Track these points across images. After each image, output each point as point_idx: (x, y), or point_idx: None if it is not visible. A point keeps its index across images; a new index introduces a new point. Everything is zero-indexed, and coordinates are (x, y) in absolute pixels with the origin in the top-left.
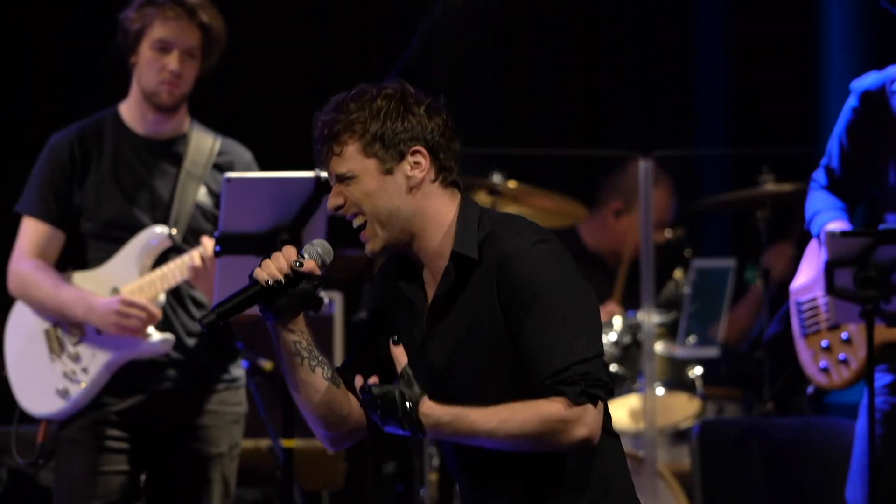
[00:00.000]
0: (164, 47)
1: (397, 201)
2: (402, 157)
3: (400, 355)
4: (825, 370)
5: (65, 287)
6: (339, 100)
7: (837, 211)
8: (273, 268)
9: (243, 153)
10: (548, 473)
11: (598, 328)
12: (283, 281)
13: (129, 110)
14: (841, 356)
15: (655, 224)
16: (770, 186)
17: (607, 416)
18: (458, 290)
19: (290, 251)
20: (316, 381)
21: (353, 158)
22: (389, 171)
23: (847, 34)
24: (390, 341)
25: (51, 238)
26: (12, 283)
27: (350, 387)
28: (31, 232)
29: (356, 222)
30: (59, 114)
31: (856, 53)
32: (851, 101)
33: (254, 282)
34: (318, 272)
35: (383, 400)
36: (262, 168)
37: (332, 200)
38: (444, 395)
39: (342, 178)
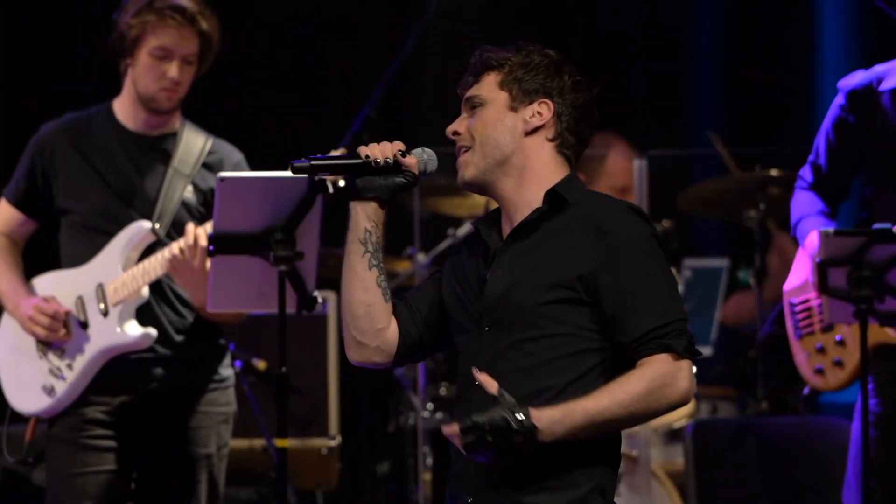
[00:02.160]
0: (164, 55)
1: (507, 137)
2: (529, 102)
3: (487, 381)
4: (820, 372)
5: (5, 278)
6: (509, 44)
7: (819, 216)
8: (378, 149)
9: (233, 153)
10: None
11: (682, 299)
12: (382, 164)
13: (122, 107)
14: (835, 358)
15: (619, 190)
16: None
17: None
18: (540, 227)
19: (398, 143)
20: (368, 278)
21: (488, 86)
22: (514, 109)
23: (841, 33)
24: (472, 370)
25: (20, 224)
26: None
27: (399, 314)
28: (2, 212)
29: (462, 150)
30: (59, 101)
31: (850, 53)
32: (838, 100)
33: (358, 155)
34: (416, 171)
35: (493, 427)
36: (254, 169)
37: (454, 125)
38: (488, 324)
39: (471, 103)
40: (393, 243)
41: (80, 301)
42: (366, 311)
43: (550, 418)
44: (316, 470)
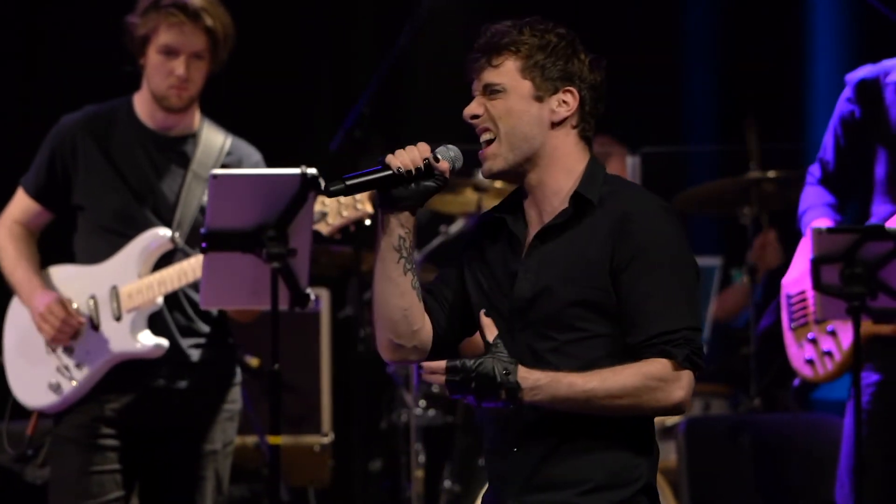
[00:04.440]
0: (170, 52)
1: (535, 129)
2: (554, 91)
3: (489, 326)
4: (810, 362)
5: (21, 267)
6: (516, 21)
7: (825, 207)
8: (407, 157)
9: (252, 153)
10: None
11: (700, 306)
12: (413, 171)
13: (142, 105)
14: (825, 348)
15: None
16: (755, 174)
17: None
18: (566, 230)
19: (424, 146)
20: (404, 283)
21: (509, 74)
22: (539, 99)
23: (834, 31)
24: (480, 313)
25: (36, 214)
26: None
27: (431, 309)
28: (19, 202)
29: (485, 136)
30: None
31: (843, 50)
32: (846, 93)
33: (384, 166)
34: (447, 174)
35: (479, 373)
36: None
37: (472, 108)
38: (520, 325)
39: (490, 89)
40: None
41: (94, 301)
42: (403, 314)
43: (536, 381)
44: (308, 467)
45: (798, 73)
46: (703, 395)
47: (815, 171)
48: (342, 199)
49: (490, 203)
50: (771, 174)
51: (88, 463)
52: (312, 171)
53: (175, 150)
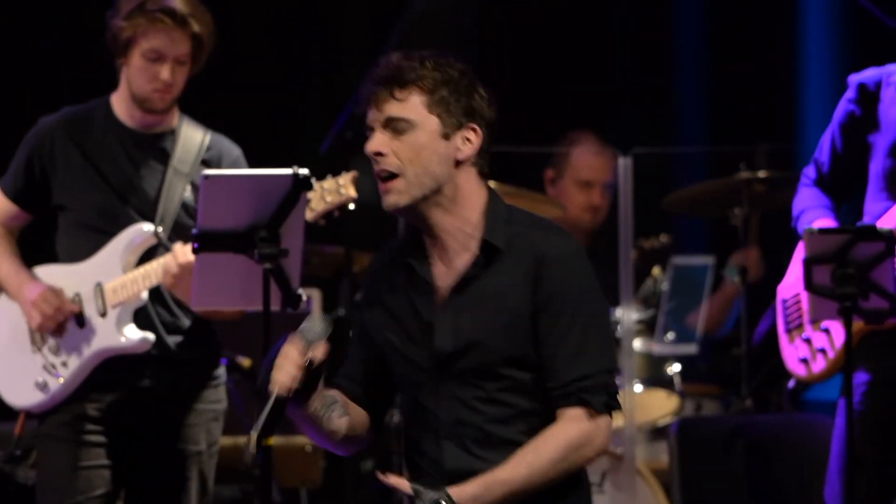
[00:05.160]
0: (156, 57)
1: (442, 167)
2: (459, 127)
3: (398, 483)
4: (804, 361)
5: (6, 262)
6: (414, 54)
7: (822, 209)
8: (289, 375)
9: (232, 149)
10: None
11: (614, 346)
12: (302, 380)
13: (120, 104)
14: (818, 345)
15: (583, 184)
16: (745, 174)
17: None
18: (481, 278)
19: (291, 351)
20: (339, 424)
21: (416, 108)
22: (446, 136)
23: (825, 32)
24: (376, 474)
25: (14, 216)
26: None
27: (352, 396)
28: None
29: (387, 172)
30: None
31: (834, 51)
32: (847, 94)
33: (278, 397)
34: (328, 352)
35: None
36: (249, 165)
37: (376, 144)
38: (444, 378)
39: (395, 124)
40: (377, 241)
41: (78, 298)
42: (351, 437)
43: (472, 496)
44: (300, 467)
45: (789, 73)
46: (695, 396)
47: (810, 172)
48: (325, 184)
49: None
50: (761, 174)
51: (75, 459)
52: (304, 171)
53: (154, 147)
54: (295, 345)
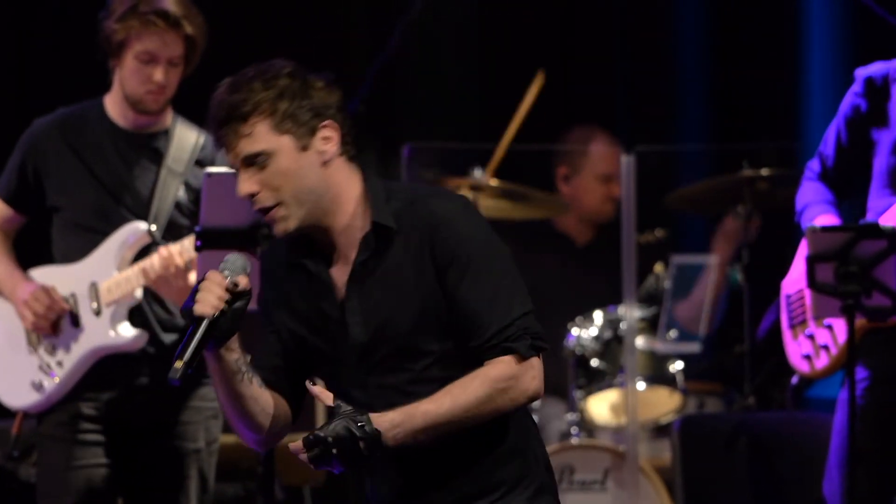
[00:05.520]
0: (149, 59)
1: (314, 177)
2: (313, 132)
3: (320, 393)
4: (807, 357)
5: (1, 263)
6: (238, 80)
7: (826, 205)
8: (212, 298)
9: None
10: (475, 451)
11: (524, 285)
12: (226, 308)
13: (114, 105)
14: (821, 342)
15: (603, 178)
16: (748, 172)
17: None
18: (378, 260)
19: (215, 275)
20: (255, 391)
21: (265, 137)
22: (304, 148)
23: (828, 29)
24: (306, 383)
25: (9, 219)
26: None
27: (272, 384)
28: None
29: (267, 205)
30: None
31: (837, 48)
32: (854, 87)
33: (198, 319)
34: (249, 286)
35: (336, 438)
36: None
37: (246, 187)
38: (368, 369)
39: (254, 160)
40: None
41: (73, 298)
42: (265, 413)
43: (391, 422)
44: (303, 465)
45: (792, 71)
46: (698, 393)
47: (814, 165)
48: None
49: (487, 203)
50: (764, 172)
51: (73, 458)
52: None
53: (148, 147)
54: (216, 274)
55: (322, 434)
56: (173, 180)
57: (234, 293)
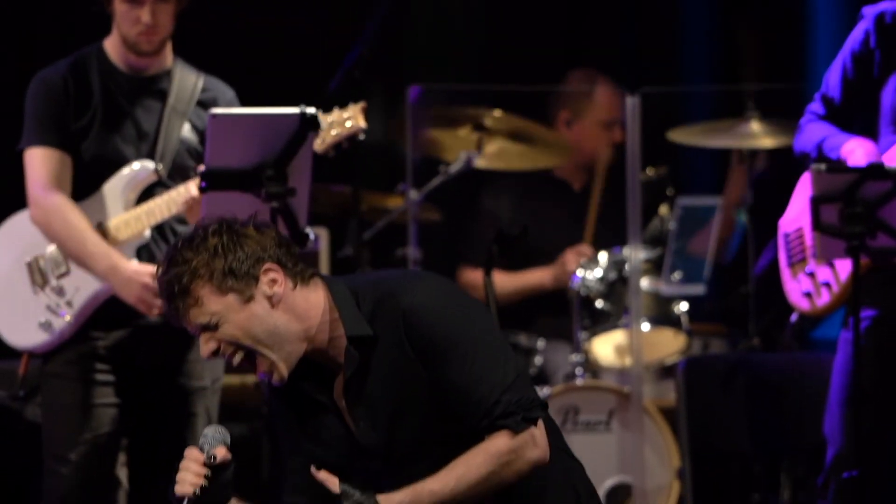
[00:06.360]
0: (134, 0)
1: (270, 322)
2: (256, 280)
3: (327, 479)
4: (808, 295)
5: (91, 238)
6: (172, 254)
7: (845, 134)
8: (191, 476)
9: (226, 90)
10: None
11: (507, 345)
12: (205, 483)
13: (113, 48)
14: (823, 279)
15: (606, 124)
16: (755, 124)
17: (554, 428)
18: (367, 370)
19: (192, 453)
20: None
21: (212, 301)
22: (250, 299)
23: None
24: (312, 470)
25: (62, 163)
26: (36, 213)
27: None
28: (41, 161)
29: (236, 359)
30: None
31: None
32: (862, 25)
33: (180, 499)
34: (229, 456)
35: None
36: (259, 104)
37: (207, 350)
38: (392, 473)
39: (207, 326)
40: (385, 180)
41: None
42: None
43: (400, 503)
44: None
45: (799, 12)
46: (702, 334)
47: (816, 108)
48: (333, 116)
49: (491, 144)
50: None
51: (84, 396)
52: (311, 110)
53: (151, 88)
54: (194, 451)
55: None
56: (177, 119)
57: (213, 466)
